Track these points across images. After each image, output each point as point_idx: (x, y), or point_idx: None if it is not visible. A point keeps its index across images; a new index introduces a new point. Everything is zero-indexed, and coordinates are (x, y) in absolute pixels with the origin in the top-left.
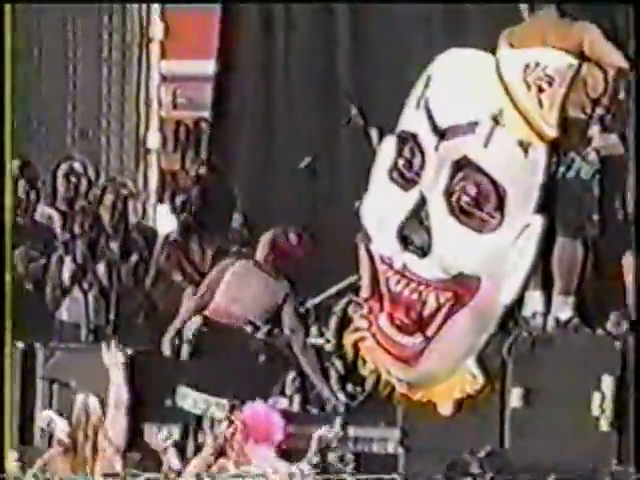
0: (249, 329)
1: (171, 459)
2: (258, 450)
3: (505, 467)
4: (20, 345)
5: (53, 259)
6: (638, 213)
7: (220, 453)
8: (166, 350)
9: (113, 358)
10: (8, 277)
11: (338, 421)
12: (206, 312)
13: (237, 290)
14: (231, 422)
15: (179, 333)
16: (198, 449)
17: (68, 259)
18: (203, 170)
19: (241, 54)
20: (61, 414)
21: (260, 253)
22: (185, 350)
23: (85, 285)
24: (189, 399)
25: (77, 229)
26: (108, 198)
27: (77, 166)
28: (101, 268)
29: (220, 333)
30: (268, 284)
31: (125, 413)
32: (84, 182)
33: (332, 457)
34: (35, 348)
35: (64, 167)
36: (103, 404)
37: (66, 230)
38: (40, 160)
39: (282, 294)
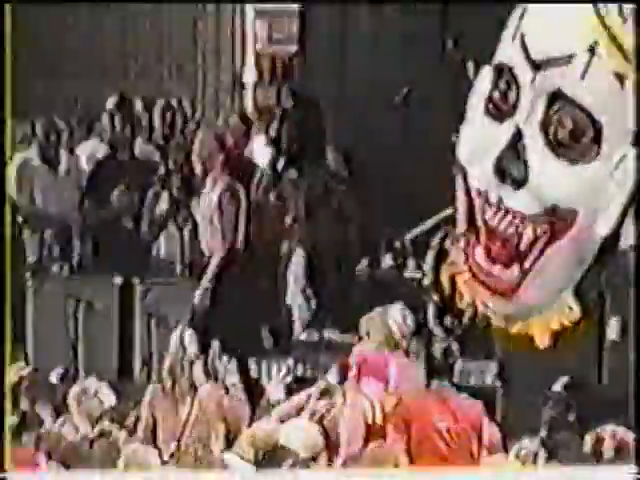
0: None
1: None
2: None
3: (602, 400)
4: (117, 281)
5: (150, 194)
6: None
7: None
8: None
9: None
10: (7, 270)
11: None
12: None
13: None
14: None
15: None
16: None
17: (165, 194)
18: (296, 103)
19: None
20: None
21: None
22: None
23: (180, 221)
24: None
25: (172, 164)
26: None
27: (173, 102)
28: (195, 204)
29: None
30: None
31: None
32: (180, 118)
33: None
34: (133, 283)
35: (160, 103)
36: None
37: (162, 165)
38: (136, 96)
39: None
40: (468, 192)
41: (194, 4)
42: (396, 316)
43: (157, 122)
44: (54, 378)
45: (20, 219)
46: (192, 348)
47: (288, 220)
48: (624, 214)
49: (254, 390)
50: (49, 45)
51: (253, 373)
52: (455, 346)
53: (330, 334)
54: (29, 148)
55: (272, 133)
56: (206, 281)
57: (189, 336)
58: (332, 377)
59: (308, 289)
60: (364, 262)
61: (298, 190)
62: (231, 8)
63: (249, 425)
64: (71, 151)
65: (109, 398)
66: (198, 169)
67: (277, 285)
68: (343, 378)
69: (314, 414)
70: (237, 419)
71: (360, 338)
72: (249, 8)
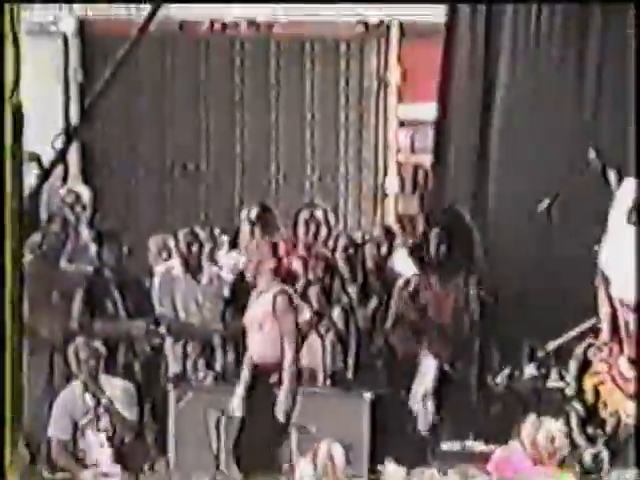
0: None
1: None
2: None
3: None
4: None
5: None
6: None
7: None
8: None
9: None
10: (8, 267)
11: None
12: None
13: None
14: None
15: None
16: None
17: (304, 305)
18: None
19: (459, 95)
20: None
21: None
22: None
23: (322, 330)
24: None
25: (312, 275)
26: (344, 243)
27: (318, 213)
28: (336, 313)
29: None
30: None
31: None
32: (324, 229)
33: None
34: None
35: (305, 213)
36: (347, 451)
37: (304, 276)
38: (278, 207)
39: None
40: (611, 302)
41: (336, 113)
42: (551, 431)
43: (301, 232)
44: None
45: (163, 329)
46: (340, 462)
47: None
48: None
49: None
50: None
51: None
52: (605, 454)
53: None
54: (169, 258)
55: (414, 245)
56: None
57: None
58: None
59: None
60: (505, 372)
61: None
62: (374, 117)
63: None
64: (214, 261)
65: None
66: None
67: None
68: None
69: None
70: None
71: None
72: (392, 117)
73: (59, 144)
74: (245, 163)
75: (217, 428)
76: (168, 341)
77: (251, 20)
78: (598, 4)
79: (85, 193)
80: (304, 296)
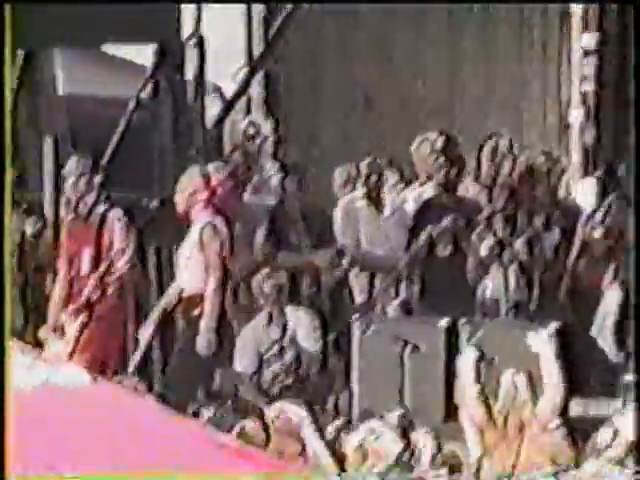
0: None
1: None
2: None
3: None
4: (443, 323)
5: (473, 235)
6: None
7: None
8: None
9: (537, 337)
10: (7, 262)
11: None
12: None
13: None
14: None
15: None
16: None
17: (489, 234)
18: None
19: None
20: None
21: None
22: None
23: (505, 260)
24: None
25: (497, 205)
26: (529, 173)
27: (502, 143)
28: (520, 243)
29: None
30: None
31: (557, 390)
32: (509, 159)
33: None
34: (458, 324)
35: (490, 144)
36: (531, 380)
37: (488, 206)
38: (462, 136)
39: None
40: None
41: (519, 44)
42: None
43: (485, 164)
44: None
45: (346, 261)
46: (523, 389)
47: None
48: None
49: None
50: None
51: None
52: None
53: None
54: (354, 190)
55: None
56: None
57: (520, 379)
58: None
59: None
60: None
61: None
62: (557, 46)
63: None
64: (398, 193)
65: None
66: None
67: None
68: None
69: None
70: None
71: None
72: (575, 46)
73: (241, 77)
74: (429, 94)
75: (401, 359)
76: (352, 272)
77: None
78: None
79: (267, 125)
80: (488, 226)
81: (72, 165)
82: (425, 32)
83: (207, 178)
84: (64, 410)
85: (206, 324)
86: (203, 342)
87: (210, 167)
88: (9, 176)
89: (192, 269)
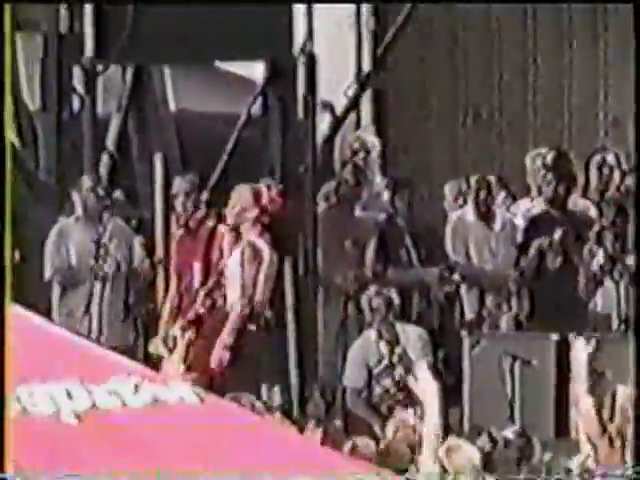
0: None
1: None
2: None
3: None
4: (554, 337)
5: (584, 250)
6: None
7: None
8: None
9: None
10: (8, 262)
11: None
12: None
13: None
14: None
15: None
16: None
17: (599, 250)
18: None
19: None
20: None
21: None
22: None
23: (616, 275)
24: None
25: (607, 219)
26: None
27: (609, 158)
28: (630, 259)
29: None
30: None
31: None
32: (617, 173)
33: None
34: (569, 339)
35: (597, 158)
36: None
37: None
38: (573, 150)
39: None
40: None
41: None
42: None
43: (594, 178)
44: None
45: (457, 276)
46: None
47: None
48: None
49: None
50: None
51: None
52: None
53: None
54: (464, 205)
55: None
56: None
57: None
58: None
59: None
60: None
61: None
62: None
63: None
64: (507, 208)
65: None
66: None
67: None
68: None
69: None
70: None
71: None
72: None
73: (351, 92)
74: (537, 109)
75: (512, 375)
76: (463, 287)
77: None
78: None
79: (375, 141)
80: (598, 241)
81: (182, 182)
82: (534, 48)
83: (258, 195)
84: (174, 429)
85: (221, 340)
86: (215, 358)
87: (262, 184)
88: (9, 175)
89: (232, 287)
